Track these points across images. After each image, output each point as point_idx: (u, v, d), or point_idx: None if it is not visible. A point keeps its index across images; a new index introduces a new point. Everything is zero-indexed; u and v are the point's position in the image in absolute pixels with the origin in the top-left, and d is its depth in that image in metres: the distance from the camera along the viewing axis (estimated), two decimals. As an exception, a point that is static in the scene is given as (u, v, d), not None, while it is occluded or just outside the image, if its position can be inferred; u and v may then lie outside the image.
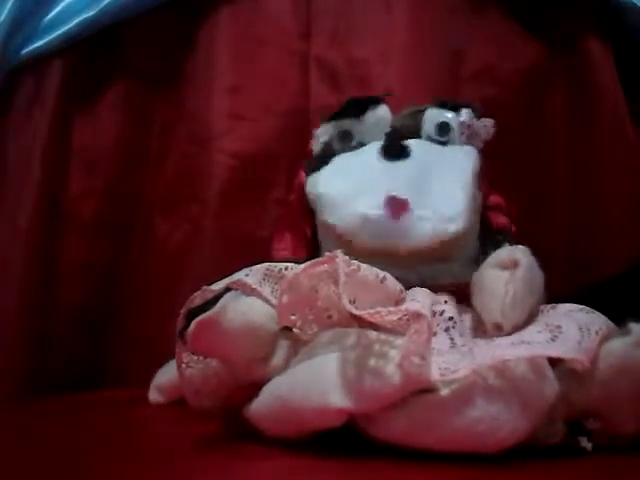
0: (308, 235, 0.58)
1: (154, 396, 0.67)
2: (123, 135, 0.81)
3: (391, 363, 0.40)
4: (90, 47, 0.79)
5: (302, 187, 0.57)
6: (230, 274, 0.50)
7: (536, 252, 0.48)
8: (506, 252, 0.48)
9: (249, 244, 0.76)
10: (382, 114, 0.57)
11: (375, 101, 0.57)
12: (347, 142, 0.57)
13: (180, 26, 0.82)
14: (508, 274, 0.46)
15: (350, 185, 0.53)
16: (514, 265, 0.46)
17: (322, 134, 0.57)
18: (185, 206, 0.81)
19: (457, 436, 0.40)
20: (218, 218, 0.78)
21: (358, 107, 0.57)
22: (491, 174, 0.58)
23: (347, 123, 0.57)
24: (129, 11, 0.78)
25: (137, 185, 0.82)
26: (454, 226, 0.51)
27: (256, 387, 0.46)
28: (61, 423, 0.59)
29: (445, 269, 0.52)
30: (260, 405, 0.45)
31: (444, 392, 0.40)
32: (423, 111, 0.58)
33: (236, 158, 0.79)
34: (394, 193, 0.50)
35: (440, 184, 0.52)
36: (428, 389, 0.40)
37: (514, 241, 0.53)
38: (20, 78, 0.78)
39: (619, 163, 0.77)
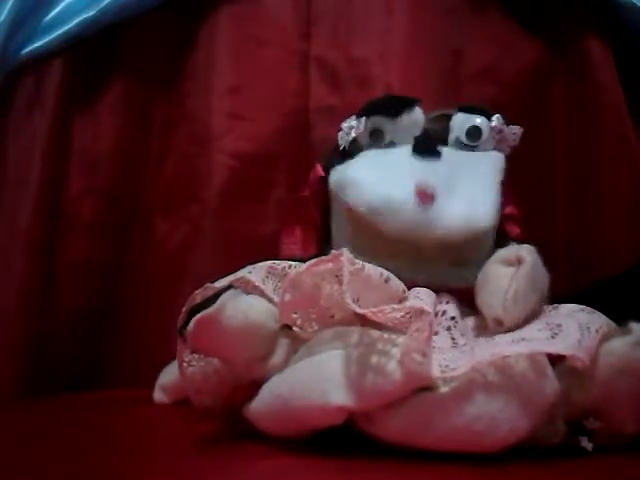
0: (319, 231, 0.58)
1: (158, 396, 0.67)
2: (123, 135, 0.81)
3: (393, 361, 0.40)
4: (90, 47, 0.78)
5: (318, 181, 0.57)
6: (230, 274, 0.50)
7: (536, 252, 0.48)
8: (512, 249, 0.48)
9: (249, 244, 0.76)
10: (417, 117, 0.56)
11: (411, 103, 0.56)
12: (378, 140, 0.56)
13: (180, 26, 0.82)
14: (512, 270, 0.46)
15: (380, 173, 0.52)
16: (518, 262, 0.46)
17: (352, 129, 0.56)
18: (185, 206, 0.81)
19: (456, 435, 0.40)
20: (218, 218, 0.78)
21: (394, 107, 0.56)
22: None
23: (381, 121, 0.56)
24: (129, 11, 0.78)
25: (137, 185, 0.82)
26: (486, 220, 0.51)
27: (256, 385, 0.46)
28: (61, 423, 0.58)
29: (457, 273, 0.52)
30: (260, 404, 0.45)
31: (443, 390, 0.40)
32: (450, 116, 0.57)
33: (236, 158, 0.79)
34: (423, 185, 0.50)
35: (470, 184, 0.52)
36: (428, 387, 0.40)
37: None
38: (20, 78, 0.78)
39: (619, 163, 0.77)
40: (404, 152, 0.54)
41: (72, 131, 0.79)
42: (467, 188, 0.51)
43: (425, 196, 0.49)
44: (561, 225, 0.80)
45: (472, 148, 0.56)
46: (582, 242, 0.78)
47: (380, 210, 0.50)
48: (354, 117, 0.57)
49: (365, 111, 0.56)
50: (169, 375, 0.66)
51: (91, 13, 0.76)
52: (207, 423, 0.51)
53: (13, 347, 0.72)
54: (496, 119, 0.56)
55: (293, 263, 0.49)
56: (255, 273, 0.48)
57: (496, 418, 0.39)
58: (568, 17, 0.80)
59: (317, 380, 0.42)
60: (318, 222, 0.58)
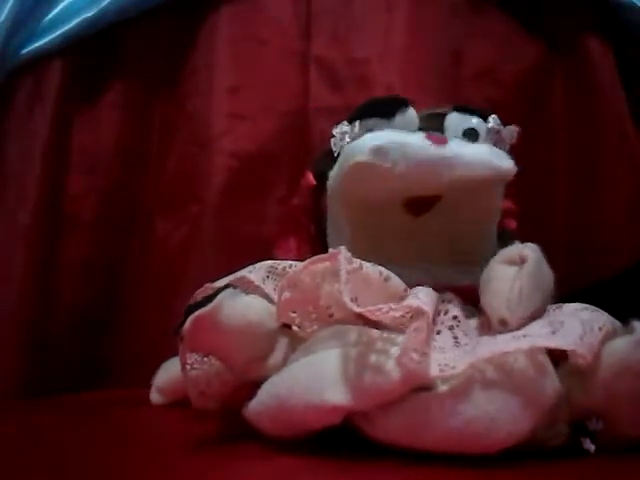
0: (313, 240, 0.58)
1: (155, 397, 0.67)
2: (123, 135, 0.81)
3: (391, 360, 0.40)
4: (90, 47, 0.79)
5: (309, 190, 0.56)
6: (230, 274, 0.50)
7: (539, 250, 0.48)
8: (515, 248, 0.48)
9: (249, 244, 0.76)
10: (411, 117, 0.54)
11: (404, 103, 0.54)
12: None
13: (180, 26, 0.82)
14: (515, 269, 0.45)
15: (383, 134, 0.50)
16: (522, 261, 0.46)
17: (346, 134, 0.54)
18: (185, 206, 0.81)
19: (454, 436, 0.39)
20: (218, 218, 0.78)
21: (388, 108, 0.54)
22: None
23: (376, 123, 0.53)
24: (129, 11, 0.78)
25: (137, 185, 0.82)
26: (509, 163, 0.49)
27: (256, 385, 0.46)
28: (61, 423, 0.58)
29: (462, 271, 0.52)
30: (258, 404, 0.45)
31: (442, 389, 0.40)
32: (443, 114, 0.55)
33: (236, 158, 0.79)
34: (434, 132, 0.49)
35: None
36: (426, 387, 0.40)
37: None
38: (20, 78, 0.78)
39: (619, 163, 0.77)
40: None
41: (72, 131, 0.79)
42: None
43: (438, 139, 0.48)
44: (561, 225, 0.80)
45: None
46: (582, 242, 0.78)
47: (388, 151, 0.47)
48: (345, 122, 0.55)
49: (359, 114, 0.54)
50: (165, 376, 0.66)
51: (91, 13, 0.76)
52: (207, 423, 0.51)
53: (13, 347, 0.72)
54: (492, 120, 0.54)
55: (294, 263, 0.49)
56: (255, 273, 0.48)
57: (495, 419, 0.39)
58: (568, 17, 0.80)
59: (314, 379, 0.42)
60: (311, 231, 0.57)
